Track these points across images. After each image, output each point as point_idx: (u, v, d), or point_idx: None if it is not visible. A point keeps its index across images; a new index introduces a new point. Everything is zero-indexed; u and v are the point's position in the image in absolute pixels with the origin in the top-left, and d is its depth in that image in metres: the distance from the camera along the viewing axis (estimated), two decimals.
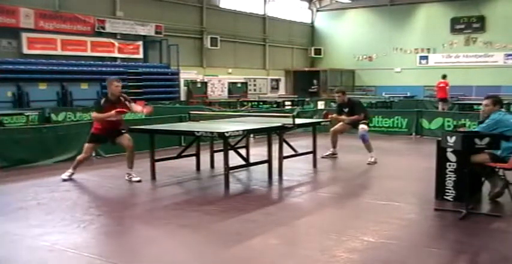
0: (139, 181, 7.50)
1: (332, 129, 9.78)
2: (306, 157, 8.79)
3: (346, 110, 9.55)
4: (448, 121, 12.97)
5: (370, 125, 13.84)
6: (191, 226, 5.33)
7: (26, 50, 18.29)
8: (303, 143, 9.54)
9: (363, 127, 9.34)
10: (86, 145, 7.72)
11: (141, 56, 22.36)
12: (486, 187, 6.32)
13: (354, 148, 10.28)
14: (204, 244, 4.78)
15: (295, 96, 26.94)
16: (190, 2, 24.98)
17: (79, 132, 9.64)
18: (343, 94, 9.56)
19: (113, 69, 20.61)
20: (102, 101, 7.62)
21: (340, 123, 9.69)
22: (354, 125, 9.53)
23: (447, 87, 19.28)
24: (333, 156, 9.73)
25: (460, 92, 26.23)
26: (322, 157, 9.44)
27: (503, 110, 6.25)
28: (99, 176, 8.12)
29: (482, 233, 5.11)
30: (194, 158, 8.50)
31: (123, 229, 5.37)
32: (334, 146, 9.82)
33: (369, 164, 9.04)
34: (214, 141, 8.47)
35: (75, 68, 19.21)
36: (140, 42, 22.30)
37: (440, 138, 5.89)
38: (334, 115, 9.52)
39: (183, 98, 23.56)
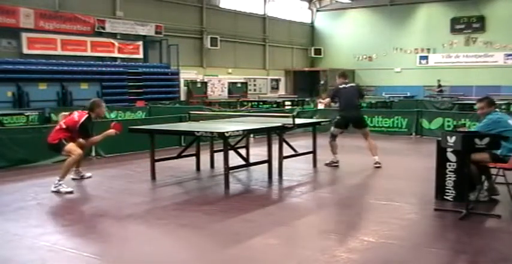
0: (70, 192, 6.81)
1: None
2: (306, 157, 8.79)
3: None
4: (448, 121, 12.98)
5: (370, 125, 13.90)
6: (191, 226, 5.33)
7: (26, 50, 18.30)
8: (303, 143, 9.54)
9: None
10: (71, 145, 7.11)
11: (141, 56, 22.37)
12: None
13: (354, 148, 10.29)
14: (204, 244, 4.78)
15: (295, 96, 26.95)
16: (190, 2, 24.99)
17: None
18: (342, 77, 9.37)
19: (113, 69, 20.65)
20: (87, 123, 7.20)
21: None
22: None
23: None
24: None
25: (460, 92, 26.26)
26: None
27: (497, 110, 6.30)
28: (99, 176, 8.11)
29: (482, 233, 5.12)
30: (194, 158, 8.50)
31: (123, 229, 5.36)
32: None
33: (328, 163, 9.02)
34: (214, 141, 8.46)
35: (75, 68, 19.21)
36: (140, 42, 22.30)
37: (440, 138, 5.89)
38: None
39: (183, 98, 23.57)
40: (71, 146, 7.10)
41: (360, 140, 9.67)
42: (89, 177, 7.80)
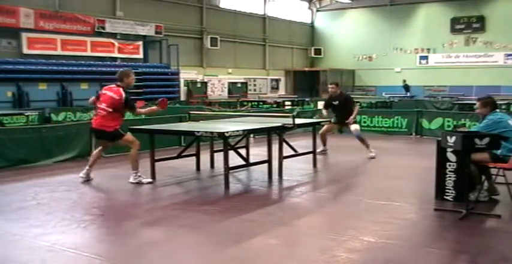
0: (151, 183, 7.44)
1: (320, 132, 9.98)
2: (306, 157, 8.79)
3: (336, 102, 10.04)
4: (448, 121, 12.97)
5: (370, 125, 13.97)
6: (191, 226, 5.33)
7: (26, 50, 18.30)
8: (303, 143, 9.54)
9: (355, 128, 9.80)
10: (130, 135, 7.44)
11: (141, 56, 22.36)
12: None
13: (354, 148, 10.30)
14: (204, 244, 4.78)
15: (295, 96, 26.96)
16: (190, 2, 24.99)
17: (79, 132, 9.66)
18: (337, 86, 10.12)
19: (113, 69, 20.54)
20: (128, 95, 7.36)
21: (328, 125, 9.96)
22: (343, 123, 9.95)
23: None
24: (323, 153, 10.00)
25: (460, 92, 26.27)
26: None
27: (498, 110, 6.30)
28: (99, 176, 8.10)
29: (482, 233, 5.12)
30: (194, 158, 8.50)
31: (123, 229, 5.36)
32: (324, 144, 10.13)
33: (371, 158, 9.54)
34: (214, 141, 8.46)
35: (75, 68, 19.20)
36: (140, 42, 22.30)
37: (440, 138, 5.89)
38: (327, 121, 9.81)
39: (183, 98, 23.57)
40: (129, 137, 7.41)
41: (357, 141, 9.71)
42: (91, 179, 7.74)
